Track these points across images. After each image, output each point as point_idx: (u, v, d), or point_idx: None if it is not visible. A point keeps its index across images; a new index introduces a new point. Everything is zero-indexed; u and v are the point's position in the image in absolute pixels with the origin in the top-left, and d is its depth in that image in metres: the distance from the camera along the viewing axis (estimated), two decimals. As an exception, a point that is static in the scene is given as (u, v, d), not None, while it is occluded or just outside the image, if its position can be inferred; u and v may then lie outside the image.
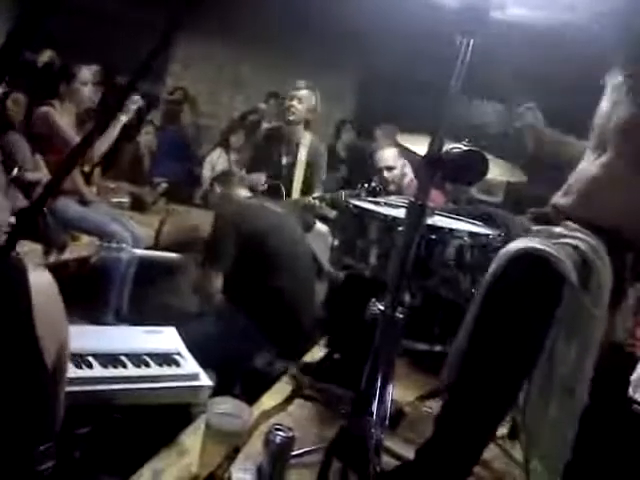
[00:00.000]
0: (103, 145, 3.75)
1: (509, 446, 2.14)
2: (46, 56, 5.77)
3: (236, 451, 1.72)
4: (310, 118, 3.95)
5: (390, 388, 1.53)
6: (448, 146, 1.39)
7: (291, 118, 3.89)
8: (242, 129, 6.00)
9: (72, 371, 1.65)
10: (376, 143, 5.24)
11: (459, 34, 1.33)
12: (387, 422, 1.53)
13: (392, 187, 3.87)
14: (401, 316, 1.40)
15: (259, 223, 2.94)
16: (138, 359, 1.95)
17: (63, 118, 3.65)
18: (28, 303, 1.18)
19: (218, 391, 2.01)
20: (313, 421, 2.18)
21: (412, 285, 1.73)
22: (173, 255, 3.49)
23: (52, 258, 3.26)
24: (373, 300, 1.44)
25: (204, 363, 2.07)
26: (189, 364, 2.04)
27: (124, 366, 1.90)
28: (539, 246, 1.55)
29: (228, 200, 3.14)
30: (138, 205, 4.76)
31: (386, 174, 3.94)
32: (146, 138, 5.93)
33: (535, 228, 1.82)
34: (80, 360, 1.81)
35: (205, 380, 2.00)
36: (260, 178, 3.80)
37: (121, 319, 3.65)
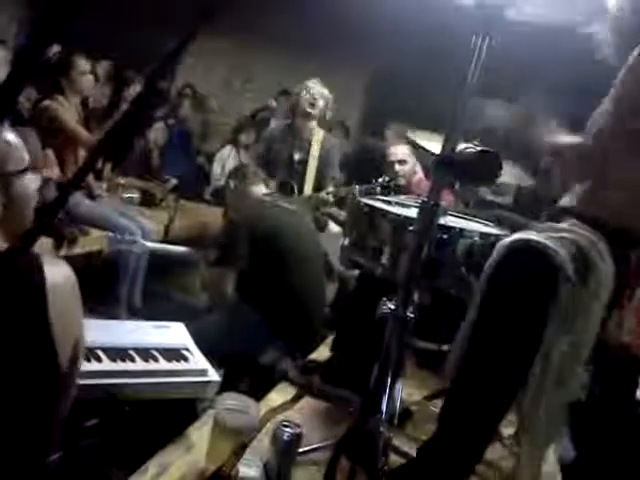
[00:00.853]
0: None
1: (515, 446, 2.13)
2: (53, 51, 5.77)
3: (243, 447, 1.73)
4: (325, 115, 3.94)
5: (399, 387, 1.53)
6: (461, 146, 1.39)
7: (313, 112, 3.86)
8: (252, 127, 6.01)
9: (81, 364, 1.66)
10: (387, 142, 5.24)
11: (474, 33, 1.33)
12: (395, 421, 1.53)
13: (402, 181, 3.84)
14: (411, 315, 1.40)
15: (272, 222, 2.94)
16: (147, 354, 1.96)
17: (69, 112, 3.65)
18: (43, 300, 1.18)
19: (226, 387, 2.02)
20: (321, 418, 2.18)
21: (422, 284, 1.73)
22: (184, 249, 3.49)
23: (63, 252, 3.28)
24: (384, 299, 1.44)
25: (212, 359, 2.08)
26: (197, 359, 2.04)
27: (132, 360, 1.91)
28: (535, 237, 1.55)
29: (243, 197, 3.13)
30: (147, 201, 4.77)
31: (398, 167, 3.90)
32: (156, 134, 5.94)
33: (538, 226, 1.81)
34: (89, 353, 1.82)
35: (213, 376, 2.01)
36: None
37: (134, 314, 3.67)
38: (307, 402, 2.27)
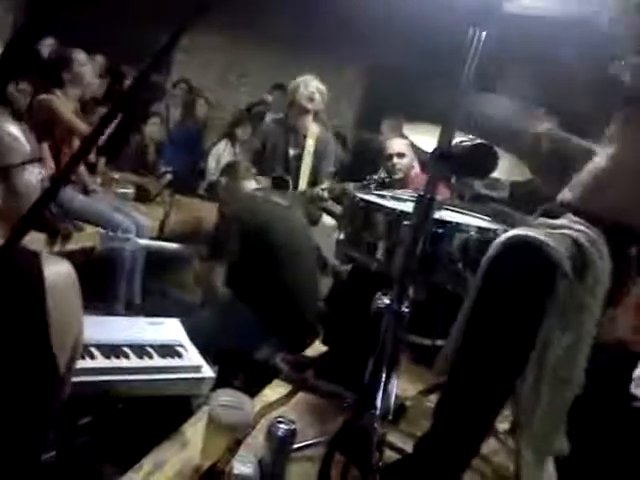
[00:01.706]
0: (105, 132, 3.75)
1: (510, 441, 2.13)
2: (48, 44, 5.76)
3: (238, 443, 1.72)
4: (320, 109, 3.93)
5: (394, 382, 1.52)
6: (457, 139, 1.38)
7: (310, 106, 3.84)
8: (248, 121, 5.98)
9: (75, 361, 1.65)
10: (383, 136, 5.22)
11: (470, 26, 1.32)
12: (390, 416, 1.52)
13: (400, 175, 3.82)
14: (407, 310, 1.39)
15: (264, 217, 2.93)
16: (141, 350, 1.95)
17: (65, 105, 3.64)
18: (42, 297, 1.17)
19: (220, 383, 2.01)
20: (315, 414, 2.17)
21: (418, 279, 1.72)
22: (177, 245, 3.48)
23: (56, 248, 3.26)
24: (379, 294, 1.44)
25: (207, 355, 2.07)
26: (192, 356, 2.04)
27: (126, 357, 1.90)
28: (532, 233, 1.55)
29: (234, 192, 3.13)
30: (142, 196, 4.75)
31: (396, 160, 3.88)
32: (151, 129, 5.92)
33: (536, 222, 1.81)
34: (83, 350, 1.81)
35: (207, 372, 2.00)
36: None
37: (132, 310, 3.65)
38: (302, 398, 2.26)
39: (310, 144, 3.90)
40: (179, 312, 2.35)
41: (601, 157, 1.79)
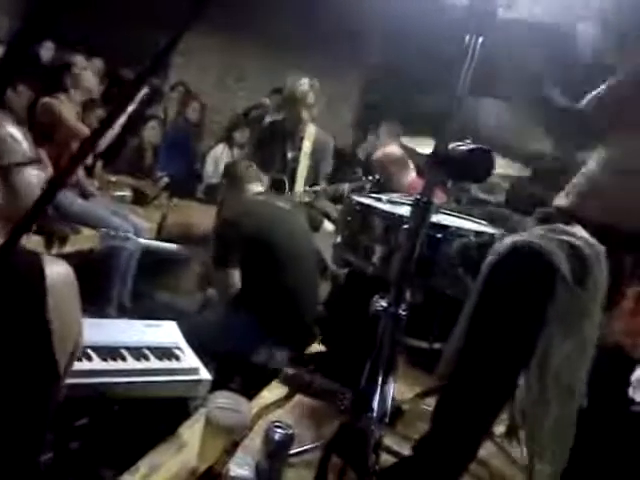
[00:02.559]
0: (109, 135, 3.76)
1: (506, 444, 2.14)
2: (46, 48, 5.77)
3: (235, 445, 1.72)
4: (315, 112, 3.93)
5: (391, 385, 1.53)
6: (453, 143, 1.38)
7: (307, 104, 3.83)
8: (246, 125, 5.99)
9: (72, 363, 1.65)
10: (381, 139, 5.23)
11: (467, 32, 1.32)
12: (387, 419, 1.52)
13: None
14: (404, 313, 1.40)
15: (264, 220, 2.93)
16: (138, 352, 1.95)
17: (68, 109, 3.65)
18: (43, 298, 1.17)
19: (217, 385, 2.01)
20: (313, 417, 2.17)
21: (416, 283, 1.73)
22: (176, 246, 3.48)
23: (54, 250, 3.26)
24: (376, 297, 1.44)
25: (204, 357, 2.07)
26: (189, 358, 2.04)
27: (124, 359, 1.90)
28: (533, 240, 1.56)
29: (235, 195, 3.11)
30: (140, 199, 4.75)
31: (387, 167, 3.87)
32: (149, 132, 5.92)
33: (537, 228, 1.82)
34: (80, 352, 1.81)
35: (204, 374, 2.00)
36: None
37: (124, 312, 3.65)
38: (299, 401, 2.26)
39: (307, 145, 3.89)
40: (170, 315, 2.34)
41: (593, 161, 1.81)
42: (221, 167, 5.36)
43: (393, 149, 3.95)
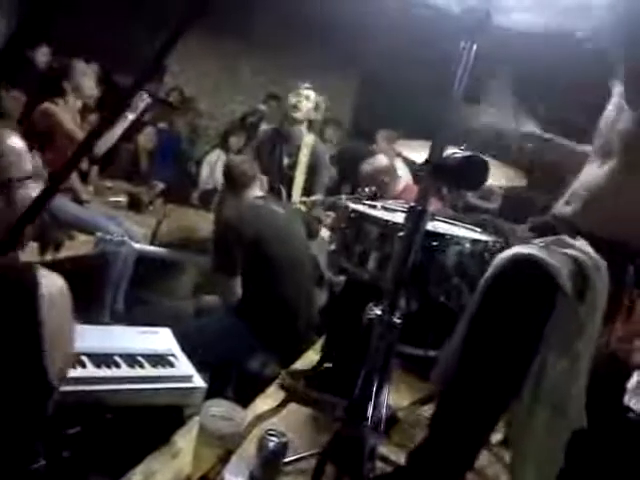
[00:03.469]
0: (108, 142, 3.75)
1: (503, 453, 2.13)
2: (42, 53, 5.76)
3: (229, 454, 1.71)
4: (313, 118, 3.93)
5: (385, 393, 1.52)
6: (448, 151, 1.38)
7: (297, 115, 3.85)
8: (242, 130, 5.99)
9: (65, 370, 1.64)
10: (377, 146, 5.24)
11: (461, 38, 1.33)
12: (382, 427, 1.52)
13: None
14: (398, 321, 1.39)
15: (261, 226, 2.92)
16: (132, 359, 1.94)
17: (66, 114, 3.64)
18: (36, 313, 1.17)
19: (212, 393, 2.00)
20: (307, 425, 2.16)
21: (411, 291, 1.72)
22: (170, 251, 3.47)
23: (48, 256, 3.25)
24: (370, 305, 1.44)
25: (198, 365, 2.06)
26: (183, 365, 2.03)
27: (118, 366, 1.89)
28: (535, 252, 1.55)
29: (234, 199, 3.10)
30: (135, 205, 4.75)
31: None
32: (144, 138, 5.92)
33: (537, 240, 1.81)
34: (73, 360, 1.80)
35: (199, 382, 1.99)
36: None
37: (117, 319, 3.64)
38: (293, 409, 2.25)
39: (304, 154, 3.90)
40: (163, 321, 2.33)
41: (599, 172, 1.80)
42: (216, 173, 5.37)
43: (380, 159, 3.96)
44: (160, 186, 5.30)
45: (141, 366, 1.94)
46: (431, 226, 1.89)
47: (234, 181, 3.12)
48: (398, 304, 1.40)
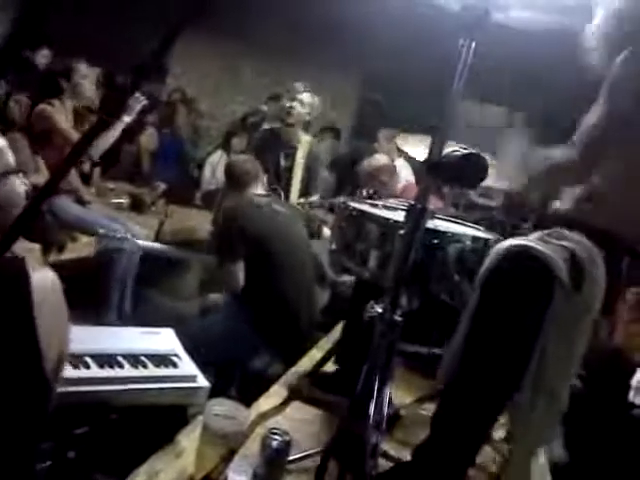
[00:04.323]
0: (104, 144, 3.75)
1: (506, 449, 2.13)
2: (43, 55, 5.77)
3: (232, 453, 1.72)
4: (309, 120, 3.93)
5: (387, 390, 1.53)
6: (448, 149, 1.39)
7: (290, 121, 3.86)
8: (244, 131, 6.00)
9: (69, 371, 1.64)
10: (379, 145, 5.24)
11: (460, 36, 1.33)
12: (384, 425, 1.52)
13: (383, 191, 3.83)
14: (399, 318, 1.40)
15: (262, 224, 2.92)
16: (135, 360, 1.95)
17: (61, 115, 3.65)
18: (29, 307, 1.17)
19: (215, 393, 2.01)
20: (310, 424, 2.17)
21: (412, 288, 1.73)
22: (174, 249, 3.48)
23: (51, 258, 3.26)
24: (371, 302, 1.44)
25: (201, 364, 2.07)
26: (186, 365, 2.03)
27: (121, 367, 1.89)
28: (531, 244, 1.56)
29: (235, 196, 3.11)
30: (137, 206, 4.75)
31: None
32: (147, 140, 5.93)
33: (535, 233, 1.82)
34: (77, 360, 1.80)
35: (202, 381, 2.00)
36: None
37: (123, 320, 3.64)
38: (296, 408, 2.26)
39: (300, 156, 3.90)
40: (169, 321, 2.34)
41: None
42: (218, 173, 5.37)
43: (378, 158, 3.96)
44: (162, 187, 5.31)
45: (144, 366, 1.94)
46: (432, 224, 1.89)
47: (236, 180, 3.13)
48: (399, 302, 1.41)
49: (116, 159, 5.30)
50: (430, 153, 1.36)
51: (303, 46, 6.46)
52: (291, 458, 1.77)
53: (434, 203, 3.47)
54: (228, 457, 1.70)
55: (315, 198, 3.90)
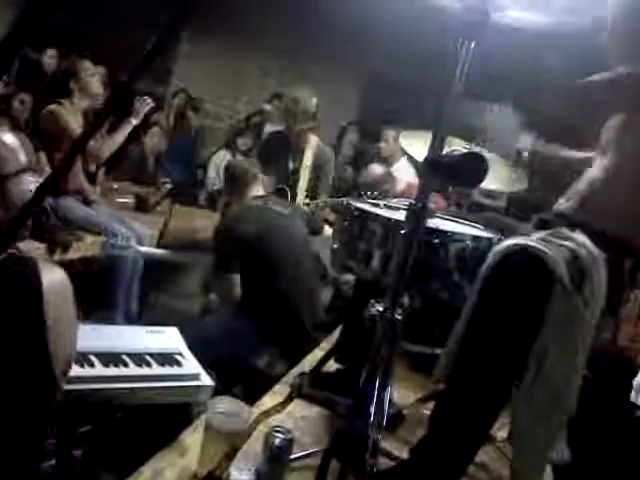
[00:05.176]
0: (112, 146, 3.77)
1: (508, 449, 2.14)
2: (48, 55, 5.80)
3: (235, 451, 1.73)
4: (311, 124, 3.94)
5: (388, 389, 1.53)
6: (449, 148, 1.40)
7: (295, 127, 3.86)
8: (248, 131, 6.01)
9: (74, 370, 1.65)
10: (384, 143, 5.25)
11: (460, 36, 1.34)
12: (385, 424, 1.53)
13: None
14: (400, 318, 1.41)
15: (262, 226, 2.93)
16: (140, 358, 1.96)
17: (71, 116, 3.66)
18: (40, 307, 1.18)
19: (219, 391, 2.02)
20: (313, 422, 2.18)
21: (413, 288, 1.73)
22: (176, 253, 3.49)
23: (56, 257, 3.27)
24: (372, 301, 1.45)
25: (205, 363, 2.08)
26: (190, 364, 2.05)
27: (126, 365, 1.91)
28: (532, 243, 1.56)
29: (236, 198, 3.12)
30: (142, 206, 4.77)
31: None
32: (151, 139, 5.95)
33: (537, 232, 1.82)
34: (82, 359, 1.82)
35: (206, 380, 2.01)
36: None
37: (130, 320, 3.65)
38: (299, 406, 2.26)
39: (308, 157, 3.91)
40: (175, 321, 2.35)
41: (596, 167, 1.81)
42: (222, 173, 5.38)
43: (374, 169, 4.00)
44: (167, 187, 5.32)
45: (149, 365, 1.96)
46: (433, 223, 1.89)
47: (236, 180, 3.14)
48: (400, 301, 1.41)
49: (121, 159, 5.32)
50: (430, 152, 1.37)
51: (308, 46, 6.46)
52: (294, 456, 1.78)
53: (437, 203, 3.49)
54: (231, 455, 1.71)
55: (323, 198, 3.90)
